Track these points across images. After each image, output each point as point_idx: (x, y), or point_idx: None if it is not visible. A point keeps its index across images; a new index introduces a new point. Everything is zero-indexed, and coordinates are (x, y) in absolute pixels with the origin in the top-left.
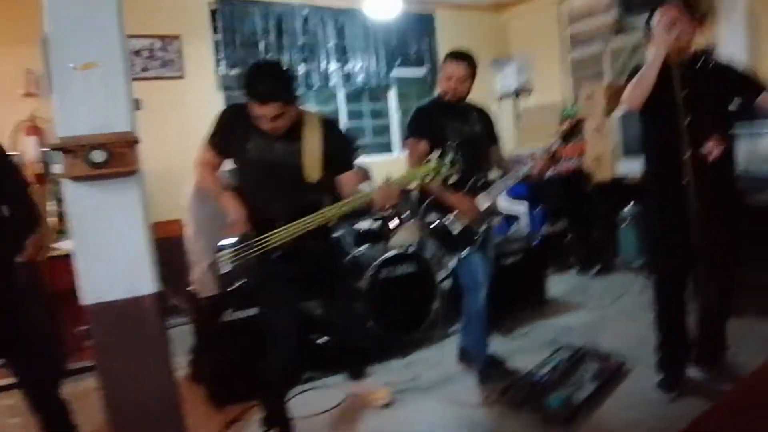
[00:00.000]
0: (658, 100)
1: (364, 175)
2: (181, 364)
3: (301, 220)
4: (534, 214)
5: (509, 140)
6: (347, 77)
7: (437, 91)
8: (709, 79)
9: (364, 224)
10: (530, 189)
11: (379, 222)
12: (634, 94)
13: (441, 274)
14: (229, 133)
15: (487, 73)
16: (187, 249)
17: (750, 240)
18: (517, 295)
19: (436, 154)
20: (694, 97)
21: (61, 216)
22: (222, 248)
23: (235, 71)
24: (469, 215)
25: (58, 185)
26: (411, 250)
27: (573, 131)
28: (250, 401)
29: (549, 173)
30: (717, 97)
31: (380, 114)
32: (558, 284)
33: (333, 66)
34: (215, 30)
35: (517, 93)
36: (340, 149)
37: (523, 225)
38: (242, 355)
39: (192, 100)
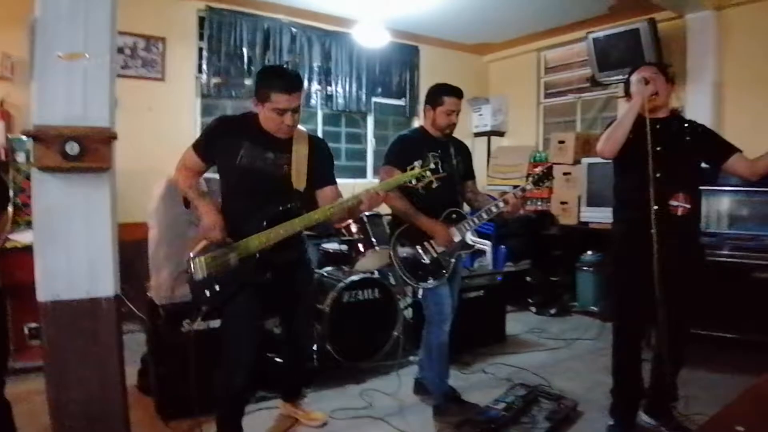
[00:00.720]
0: (632, 151)
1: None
2: (132, 372)
3: (287, 222)
4: (498, 252)
5: (480, 177)
6: (328, 99)
7: (423, 122)
8: (682, 138)
9: (331, 245)
10: (496, 227)
11: (346, 245)
12: (609, 141)
13: (403, 303)
14: (219, 142)
15: (465, 110)
16: (150, 254)
17: (704, 294)
18: (476, 330)
19: (419, 161)
20: (666, 152)
21: (17, 207)
22: (195, 255)
23: (216, 80)
24: (443, 243)
25: (20, 174)
26: (376, 275)
27: (544, 175)
28: (200, 417)
29: (518, 213)
30: (688, 155)
31: (356, 138)
32: (516, 322)
33: (315, 86)
34: (201, 37)
35: (491, 132)
36: (325, 164)
37: (486, 261)
38: (196, 368)
39: (170, 104)
